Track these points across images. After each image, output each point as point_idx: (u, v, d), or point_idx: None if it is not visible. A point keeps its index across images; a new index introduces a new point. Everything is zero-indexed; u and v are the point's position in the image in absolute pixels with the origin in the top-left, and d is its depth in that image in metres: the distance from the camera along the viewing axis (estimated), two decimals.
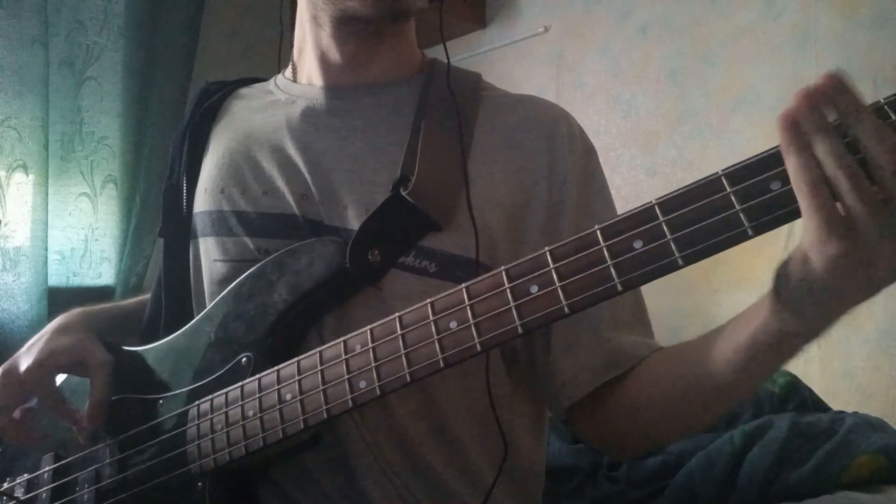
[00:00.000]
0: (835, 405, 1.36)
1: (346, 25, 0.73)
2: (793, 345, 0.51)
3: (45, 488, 0.73)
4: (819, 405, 1.33)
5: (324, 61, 0.76)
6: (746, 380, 0.55)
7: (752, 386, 0.58)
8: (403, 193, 0.66)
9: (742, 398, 0.60)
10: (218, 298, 0.70)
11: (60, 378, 0.76)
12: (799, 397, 1.32)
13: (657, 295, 0.77)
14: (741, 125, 1.70)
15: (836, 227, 0.41)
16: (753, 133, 1.67)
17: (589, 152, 0.75)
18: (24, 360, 0.71)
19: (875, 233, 0.41)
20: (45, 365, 0.71)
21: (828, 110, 0.42)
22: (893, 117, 0.41)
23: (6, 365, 0.72)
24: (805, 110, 0.42)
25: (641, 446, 0.72)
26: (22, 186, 1.79)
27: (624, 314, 0.69)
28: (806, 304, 0.47)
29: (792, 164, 0.42)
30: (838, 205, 0.42)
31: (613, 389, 0.67)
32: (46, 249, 1.82)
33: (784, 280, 0.48)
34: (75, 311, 0.80)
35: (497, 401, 0.70)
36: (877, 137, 0.40)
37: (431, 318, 0.54)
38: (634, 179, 1.89)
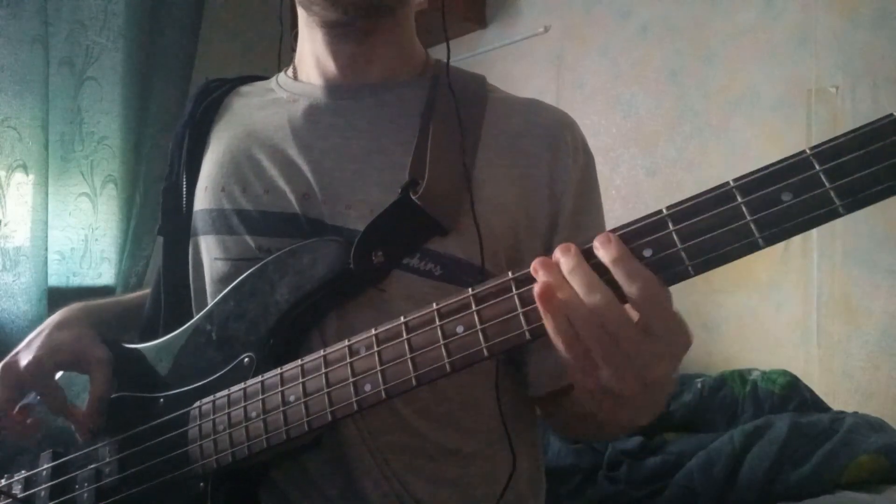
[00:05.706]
0: (835, 405, 1.36)
1: (333, 29, 0.72)
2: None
3: (43, 486, 0.72)
4: (819, 405, 1.33)
5: (323, 64, 0.76)
6: (639, 407, 0.55)
7: (647, 407, 0.56)
8: (413, 197, 0.65)
9: (651, 411, 0.58)
10: (219, 297, 0.70)
11: (58, 375, 0.75)
12: (799, 397, 1.33)
13: None
14: (741, 125, 1.70)
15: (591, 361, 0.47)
16: (753, 133, 1.67)
17: (589, 163, 0.75)
18: (24, 355, 0.70)
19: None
20: (46, 361, 0.70)
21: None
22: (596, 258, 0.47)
23: (5, 361, 0.71)
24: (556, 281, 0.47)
25: (589, 437, 0.77)
26: (22, 186, 1.79)
27: None
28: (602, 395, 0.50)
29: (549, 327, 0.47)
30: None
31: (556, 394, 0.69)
32: (46, 249, 1.81)
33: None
34: (75, 306, 0.79)
35: (503, 407, 0.69)
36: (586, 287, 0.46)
37: (438, 322, 0.53)
38: (634, 179, 1.89)
